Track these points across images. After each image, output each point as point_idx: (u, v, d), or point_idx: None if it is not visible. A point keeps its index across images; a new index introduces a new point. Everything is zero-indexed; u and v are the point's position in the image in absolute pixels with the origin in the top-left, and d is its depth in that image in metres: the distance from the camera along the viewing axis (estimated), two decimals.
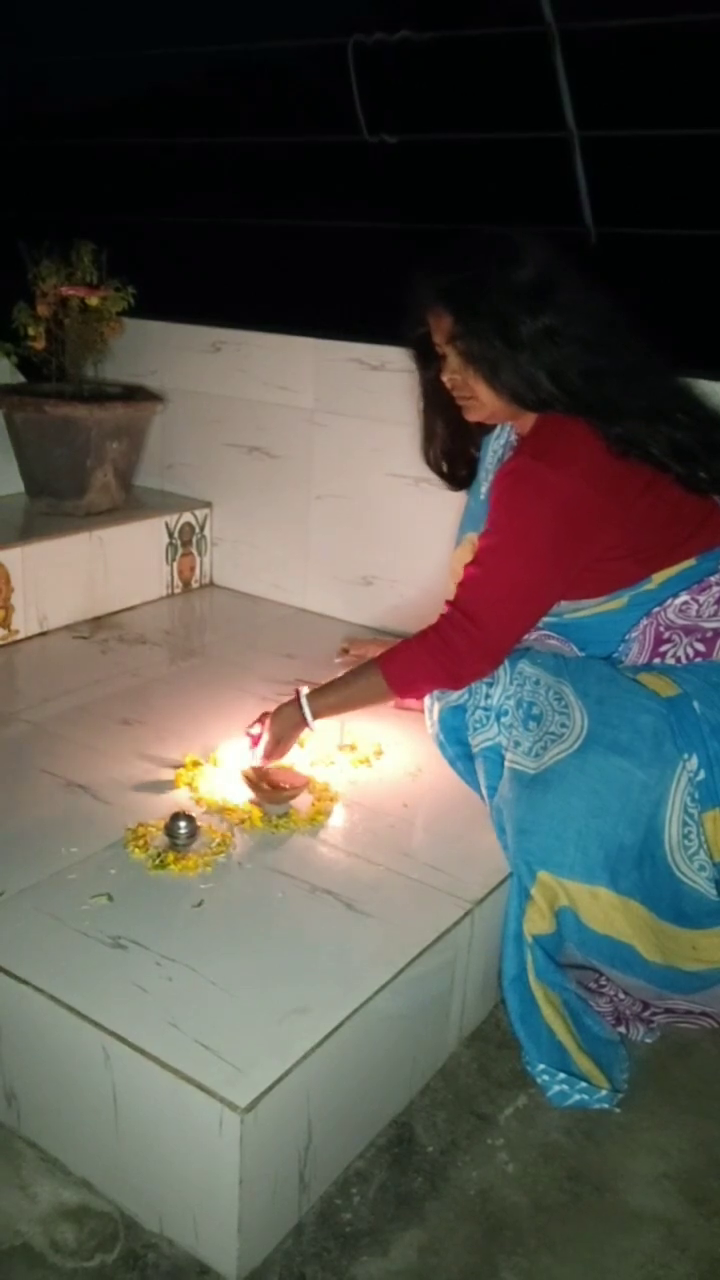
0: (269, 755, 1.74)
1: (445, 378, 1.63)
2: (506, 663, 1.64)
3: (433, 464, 1.88)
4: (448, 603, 1.64)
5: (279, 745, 1.74)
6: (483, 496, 1.76)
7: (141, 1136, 1.23)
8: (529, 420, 1.63)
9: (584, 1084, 1.44)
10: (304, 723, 1.71)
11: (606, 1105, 1.44)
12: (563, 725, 1.53)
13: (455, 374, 1.61)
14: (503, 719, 1.63)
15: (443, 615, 1.64)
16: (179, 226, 2.98)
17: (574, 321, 1.52)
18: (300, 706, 1.70)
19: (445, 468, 1.87)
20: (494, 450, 1.78)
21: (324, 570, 2.60)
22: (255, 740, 1.76)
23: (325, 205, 2.84)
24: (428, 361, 1.68)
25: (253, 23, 2.61)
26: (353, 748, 1.87)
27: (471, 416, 1.66)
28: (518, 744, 1.58)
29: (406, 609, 2.45)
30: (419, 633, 1.66)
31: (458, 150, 2.60)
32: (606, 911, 1.45)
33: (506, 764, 1.59)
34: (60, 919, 1.40)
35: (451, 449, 1.84)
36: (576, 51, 2.11)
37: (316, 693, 1.71)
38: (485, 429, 1.78)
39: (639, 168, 2.33)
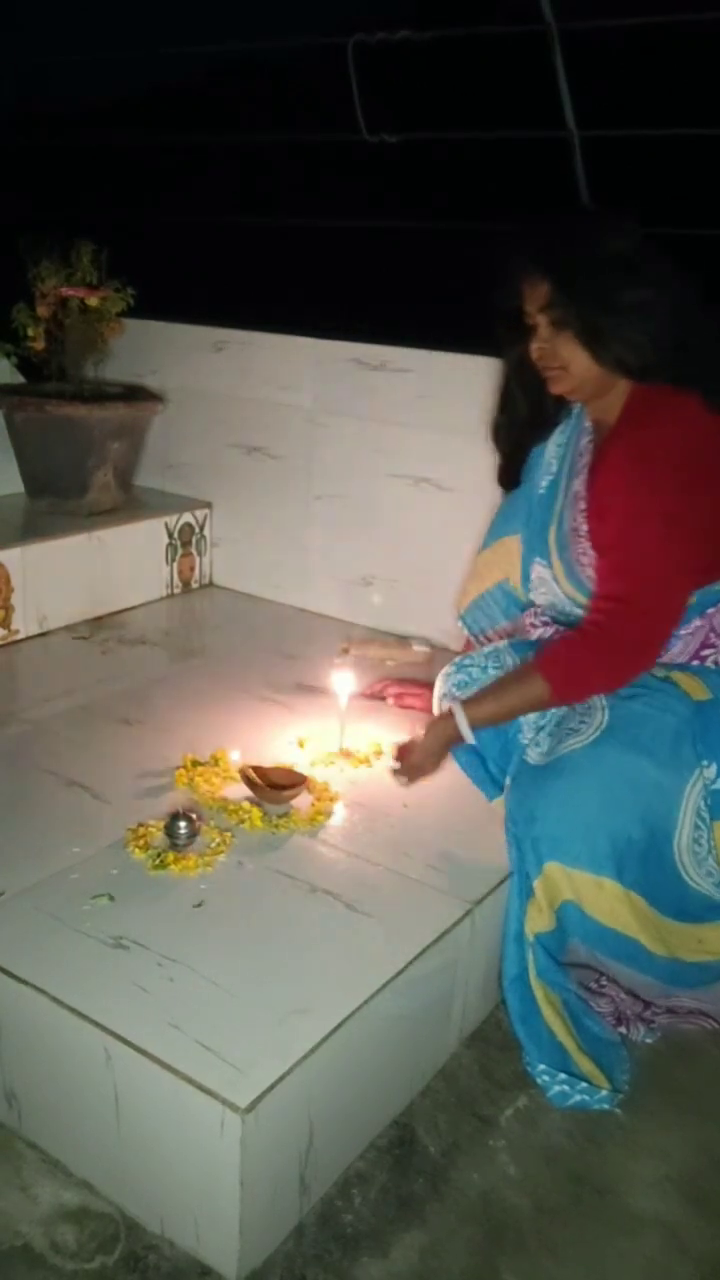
0: (419, 773, 1.67)
1: (534, 348, 1.60)
2: None
3: (502, 443, 1.81)
4: (595, 600, 1.58)
5: (433, 761, 1.66)
6: (541, 491, 1.73)
7: (142, 1137, 1.23)
8: (615, 400, 1.59)
9: (584, 1084, 1.44)
10: (460, 737, 1.63)
11: (607, 1106, 1.44)
12: (581, 722, 1.53)
13: (545, 344, 1.58)
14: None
15: (596, 610, 1.57)
16: (179, 226, 2.98)
17: (667, 295, 1.50)
18: (455, 721, 1.62)
19: (509, 449, 1.81)
20: (557, 444, 1.74)
21: (324, 570, 2.60)
22: (403, 753, 1.69)
23: (325, 205, 2.85)
24: (518, 335, 1.64)
25: (253, 22, 2.61)
26: (353, 751, 1.86)
27: (557, 388, 1.62)
28: (538, 745, 1.58)
29: (406, 609, 2.45)
30: (575, 631, 1.60)
31: (458, 150, 2.60)
32: (611, 903, 1.45)
33: (522, 757, 1.59)
34: (60, 919, 1.40)
35: (528, 428, 1.78)
36: (576, 51, 2.11)
37: (472, 703, 1.61)
38: (561, 415, 1.74)
39: (639, 168, 2.33)
